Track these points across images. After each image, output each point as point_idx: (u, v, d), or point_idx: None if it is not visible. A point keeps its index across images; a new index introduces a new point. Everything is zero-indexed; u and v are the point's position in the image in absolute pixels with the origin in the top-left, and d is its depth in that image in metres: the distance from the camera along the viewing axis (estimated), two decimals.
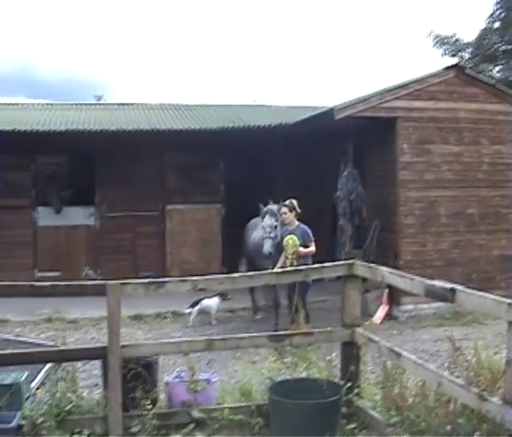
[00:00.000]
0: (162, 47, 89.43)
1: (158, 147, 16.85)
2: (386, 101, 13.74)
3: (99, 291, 6.15)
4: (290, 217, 11.28)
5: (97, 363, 8.56)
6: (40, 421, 6.00)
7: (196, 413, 6.31)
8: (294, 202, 11.38)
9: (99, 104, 25.05)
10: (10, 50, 74.98)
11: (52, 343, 10.29)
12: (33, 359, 6.81)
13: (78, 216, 17.14)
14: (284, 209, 11.38)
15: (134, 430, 6.18)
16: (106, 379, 6.31)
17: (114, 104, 22.01)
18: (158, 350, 6.73)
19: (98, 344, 8.94)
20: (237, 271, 10.99)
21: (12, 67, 73.76)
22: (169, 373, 7.05)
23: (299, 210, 11.33)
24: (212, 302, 12.54)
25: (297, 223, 11.29)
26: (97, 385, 7.84)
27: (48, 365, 8.54)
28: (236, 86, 75.75)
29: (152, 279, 6.33)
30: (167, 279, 6.45)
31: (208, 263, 16.98)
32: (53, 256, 16.85)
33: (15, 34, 75.29)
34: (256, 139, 17.09)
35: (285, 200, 11.59)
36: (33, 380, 7.64)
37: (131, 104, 21.66)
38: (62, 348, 6.68)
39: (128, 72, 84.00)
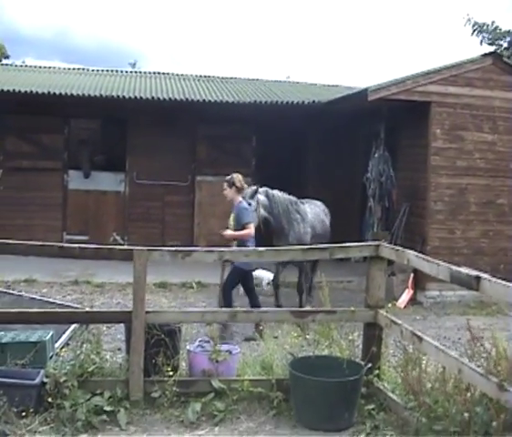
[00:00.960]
0: (198, 19, 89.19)
1: (191, 117, 16.89)
2: (421, 85, 13.62)
3: (127, 256, 6.22)
4: (229, 193, 10.01)
5: (121, 328, 8.75)
6: (63, 379, 6.10)
7: (216, 383, 6.38)
8: (235, 176, 10.06)
9: (134, 71, 25.07)
10: (46, 16, 75.35)
11: (78, 306, 10.46)
12: (59, 319, 6.93)
13: (109, 181, 17.28)
14: (224, 185, 10.12)
15: (154, 395, 6.28)
16: (129, 343, 6.41)
17: (148, 72, 22.02)
18: (182, 318, 6.82)
19: (124, 309, 9.08)
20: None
21: (48, 33, 74.22)
22: (191, 342, 7.12)
23: (241, 186, 10.02)
24: (264, 274, 12.51)
25: (238, 200, 9.96)
26: (119, 349, 7.97)
27: (73, 326, 8.70)
28: (270, 62, 75.49)
29: (179, 248, 6.39)
30: (194, 249, 6.51)
31: None
32: (82, 220, 17.02)
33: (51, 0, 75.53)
34: (289, 116, 17.08)
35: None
36: (57, 339, 7.77)
37: (166, 73, 21.68)
38: (88, 310, 6.76)
39: (162, 41, 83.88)
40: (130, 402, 6.19)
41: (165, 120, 16.68)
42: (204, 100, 16.77)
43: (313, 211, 11.53)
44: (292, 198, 10.95)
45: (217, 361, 6.55)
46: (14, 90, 15.79)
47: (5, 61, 36.76)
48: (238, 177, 10.02)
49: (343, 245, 6.96)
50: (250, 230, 9.67)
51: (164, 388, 6.27)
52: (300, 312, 6.93)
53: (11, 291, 10.73)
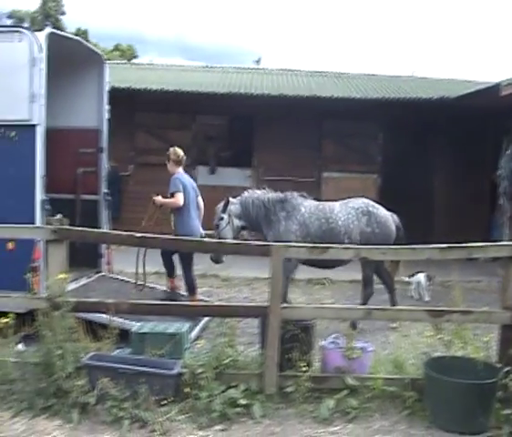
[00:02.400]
0: (319, 16, 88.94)
1: (318, 114, 16.93)
2: None
3: (264, 252, 6.29)
4: (168, 167, 9.98)
5: (252, 322, 8.86)
6: (199, 371, 6.23)
7: (350, 380, 6.35)
8: (171, 150, 10.04)
9: (259, 68, 25.31)
10: (168, 17, 77.31)
11: (208, 299, 10.66)
12: (197, 312, 7.10)
13: (236, 177, 17.53)
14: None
15: (288, 389, 6.31)
16: (264, 338, 6.47)
17: (274, 69, 22.19)
18: (318, 314, 6.83)
19: (259, 303, 9.19)
20: None
21: (169, 32, 76.10)
22: (324, 338, 7.12)
23: (177, 158, 9.91)
24: (421, 278, 12.37)
25: (176, 172, 9.87)
26: (251, 343, 8.06)
27: (205, 319, 8.89)
28: (394, 58, 74.44)
29: (315, 244, 6.41)
30: (330, 245, 6.50)
31: None
32: (208, 215, 17.25)
33: (171, 2, 77.38)
34: (416, 112, 16.82)
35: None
36: (191, 332, 7.95)
37: (291, 70, 21.78)
38: (224, 304, 6.88)
39: (282, 39, 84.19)
40: (264, 396, 6.24)
41: (292, 116, 16.79)
42: (331, 96, 16.74)
43: (316, 210, 10.10)
44: (282, 195, 10.20)
45: (351, 358, 6.53)
46: (145, 88, 16.31)
47: (133, 60, 38.02)
48: (173, 151, 10.00)
49: (482, 244, 6.77)
50: (176, 200, 9.65)
51: (298, 383, 6.29)
52: (436, 312, 6.77)
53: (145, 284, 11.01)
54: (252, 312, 7.07)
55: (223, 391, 6.17)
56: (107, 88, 10.69)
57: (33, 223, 8.28)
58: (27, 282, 8.19)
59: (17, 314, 6.76)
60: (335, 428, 5.97)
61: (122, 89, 15.53)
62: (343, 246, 6.53)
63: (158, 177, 16.85)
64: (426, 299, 11.87)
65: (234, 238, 9.93)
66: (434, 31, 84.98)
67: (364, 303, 9.76)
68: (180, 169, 9.94)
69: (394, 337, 8.85)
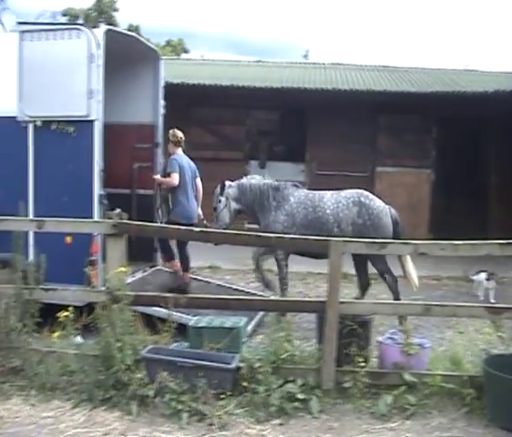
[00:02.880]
0: (367, 8, 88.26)
1: (372, 108, 16.83)
2: None
3: (323, 247, 6.27)
4: (169, 149, 10.13)
5: (306, 317, 8.87)
6: (257, 365, 6.25)
7: (408, 376, 6.30)
8: (170, 132, 10.08)
9: (310, 62, 25.19)
10: (217, 11, 77.56)
11: (262, 293, 10.67)
12: (255, 306, 7.13)
13: (289, 172, 17.49)
14: None
15: (346, 385, 6.29)
16: (321, 333, 6.47)
17: (325, 63, 22.08)
18: (376, 309, 6.80)
19: (317, 298, 9.18)
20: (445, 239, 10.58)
21: (218, 27, 76.33)
22: (381, 334, 7.08)
23: (176, 139, 9.99)
24: (483, 277, 12.21)
25: (175, 152, 10.04)
26: (305, 338, 8.06)
27: (261, 313, 8.92)
28: (447, 51, 73.44)
29: (374, 240, 6.37)
30: (389, 241, 6.46)
31: (414, 228, 16.71)
32: None
33: None
34: (470, 106, 16.57)
35: None
36: (247, 326, 7.97)
37: (342, 64, 21.67)
38: (282, 298, 6.89)
39: (328, 32, 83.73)
40: (322, 391, 6.24)
41: (345, 111, 16.70)
42: (385, 90, 16.62)
43: (305, 199, 9.96)
44: (276, 183, 10.09)
45: (408, 354, 6.47)
46: (198, 83, 16.41)
47: (184, 55, 38.25)
48: (172, 132, 10.03)
49: None
50: (171, 179, 9.71)
51: (355, 378, 6.26)
52: (495, 309, 6.69)
53: (200, 278, 11.11)
54: (310, 307, 7.06)
55: (281, 386, 6.19)
56: (162, 84, 10.77)
57: (91, 218, 8.40)
58: (85, 276, 8.35)
59: (75, 307, 6.86)
60: (393, 424, 5.93)
61: (176, 84, 15.64)
62: (401, 241, 6.43)
63: (212, 172, 16.98)
64: (491, 300, 11.58)
65: (231, 222, 10.09)
66: (488, 23, 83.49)
67: (397, 296, 9.67)
68: (179, 150, 10.07)
69: (450, 333, 8.75)
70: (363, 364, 6.32)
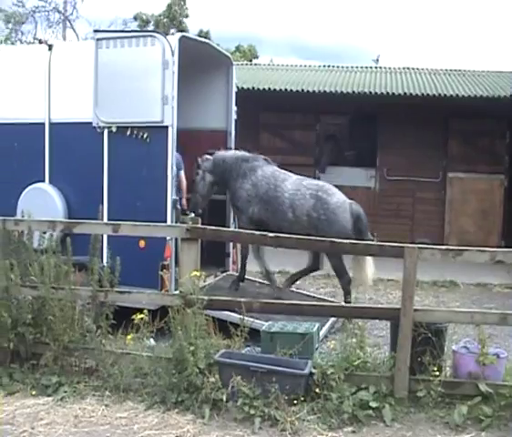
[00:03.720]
0: (438, 12, 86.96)
1: (443, 112, 16.59)
2: None
3: (397, 253, 6.21)
4: None
5: (377, 324, 8.80)
6: (330, 371, 6.22)
7: (483, 387, 6.17)
8: None
9: (380, 67, 24.92)
10: (282, 16, 77.47)
11: (332, 299, 10.64)
12: (327, 312, 7.12)
13: (359, 177, 17.45)
14: None
15: (419, 393, 6.20)
16: (394, 340, 6.40)
17: (395, 67, 21.81)
18: (451, 317, 6.69)
19: (391, 305, 9.11)
20: None
21: (282, 32, 76.17)
22: (455, 342, 6.96)
23: None
24: None
25: None
26: (377, 345, 8.00)
27: (332, 319, 8.88)
28: None
29: (450, 247, 6.29)
30: (465, 248, 6.35)
31: (486, 235, 16.51)
32: None
33: (286, 2, 77.37)
34: None
35: None
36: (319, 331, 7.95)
37: (413, 68, 21.38)
38: (355, 305, 6.85)
39: (400, 37, 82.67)
40: (395, 399, 6.17)
41: (416, 115, 16.53)
42: (457, 95, 16.35)
43: (270, 175, 10.04)
44: (248, 154, 10.25)
45: (484, 364, 6.35)
46: (269, 88, 16.46)
47: (254, 61, 38.41)
48: None
49: None
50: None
51: (429, 387, 6.17)
52: None
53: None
54: (384, 314, 7.00)
55: (353, 393, 6.16)
56: (234, 90, 10.84)
57: (164, 222, 8.50)
58: (158, 279, 8.46)
59: (148, 310, 6.95)
60: (468, 436, 5.84)
61: (247, 90, 15.72)
62: (478, 249, 6.30)
63: None
64: None
65: (207, 194, 10.38)
66: None
67: (348, 298, 9.64)
68: None
69: None
70: (436, 373, 6.23)
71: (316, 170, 17.40)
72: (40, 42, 10.24)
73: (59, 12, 35.44)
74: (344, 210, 9.72)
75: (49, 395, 6.55)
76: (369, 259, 9.63)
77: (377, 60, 44.26)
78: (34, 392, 6.61)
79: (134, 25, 37.04)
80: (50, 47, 9.61)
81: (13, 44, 33.08)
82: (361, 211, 9.91)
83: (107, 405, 6.33)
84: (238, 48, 42.65)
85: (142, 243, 8.61)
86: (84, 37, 33.48)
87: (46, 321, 7.03)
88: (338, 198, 9.83)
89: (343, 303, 9.30)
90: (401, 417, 6.07)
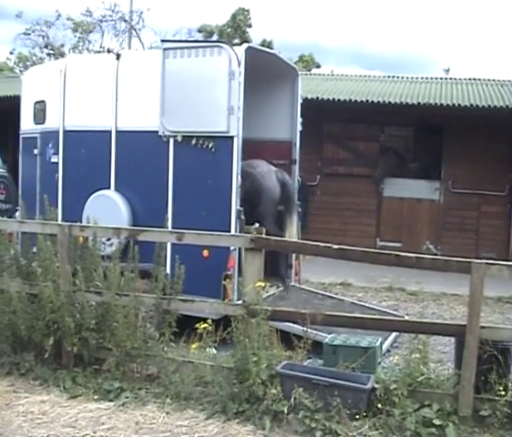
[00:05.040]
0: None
1: (510, 124, 16.27)
2: None
3: (463, 269, 6.12)
4: None
5: (440, 339, 8.66)
6: (392, 387, 6.13)
7: None
8: None
9: (447, 78, 24.61)
10: (344, 25, 77.10)
11: (395, 313, 10.54)
12: (390, 326, 7.04)
13: (423, 189, 17.34)
14: None
15: (483, 413, 6.07)
16: (459, 357, 6.30)
17: (463, 78, 21.49)
18: None
19: (456, 321, 8.97)
20: None
21: (345, 41, 75.84)
22: None
23: None
24: None
25: None
26: (440, 362, 7.89)
27: (394, 334, 8.80)
28: None
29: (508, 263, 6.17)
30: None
31: None
32: (395, 226, 17.26)
33: (348, 11, 76.80)
34: None
35: None
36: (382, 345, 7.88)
37: (482, 79, 21.05)
38: (420, 319, 6.77)
39: (473, 48, 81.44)
40: (459, 418, 6.04)
41: (482, 127, 16.28)
42: None
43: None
44: None
45: None
46: (333, 99, 16.45)
47: (315, 70, 38.35)
48: None
49: None
50: None
51: (494, 407, 6.03)
52: None
53: (333, 295, 11.09)
54: (449, 331, 6.88)
55: (416, 410, 6.05)
56: (300, 101, 10.83)
57: (228, 232, 8.54)
58: (221, 289, 8.50)
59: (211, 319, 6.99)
60: None
61: (311, 100, 15.71)
62: None
63: (345, 188, 17.10)
64: None
65: None
66: None
67: None
68: None
69: None
70: (502, 393, 6.09)
71: (379, 182, 17.32)
72: (108, 51, 10.40)
73: (125, 21, 35.98)
74: (270, 178, 9.97)
75: (111, 400, 6.63)
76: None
77: (448, 70, 43.60)
78: (96, 397, 6.70)
79: (198, 36, 37.37)
80: (118, 56, 9.77)
81: (80, 52, 33.86)
82: (286, 178, 10.23)
83: (167, 413, 6.37)
84: (301, 58, 42.63)
85: (206, 252, 8.66)
86: (149, 46, 33.98)
87: (109, 327, 7.14)
88: (261, 168, 10.05)
89: (407, 317, 9.20)
90: (465, 436, 5.97)
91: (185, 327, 7.28)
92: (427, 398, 6.18)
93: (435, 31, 79.82)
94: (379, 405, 6.11)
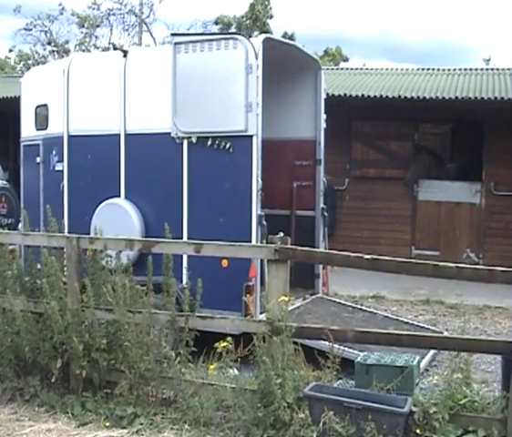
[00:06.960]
0: None
1: None
2: None
3: (509, 279, 6.01)
4: None
5: (484, 357, 8.57)
6: (432, 410, 6.02)
7: None
8: None
9: (489, 69, 24.38)
10: (371, 15, 76.72)
11: (433, 328, 10.44)
12: (429, 344, 6.94)
13: (463, 192, 17.18)
14: None
15: None
16: (506, 377, 6.19)
17: (506, 69, 21.29)
18: None
19: (504, 338, 8.87)
20: None
21: (373, 32, 75.41)
22: None
23: None
24: None
25: None
26: (485, 382, 7.79)
27: (432, 352, 8.70)
28: None
29: None
30: None
31: None
32: (432, 233, 17.14)
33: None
34: None
35: None
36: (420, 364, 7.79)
37: None
38: (462, 336, 6.67)
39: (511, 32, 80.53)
40: None
41: None
42: None
43: None
44: None
45: None
46: (362, 95, 16.36)
47: (343, 64, 38.31)
48: None
49: None
50: None
51: None
52: None
53: (364, 308, 11.02)
54: (494, 348, 6.76)
55: (460, 436, 5.97)
56: (323, 96, 10.77)
57: (249, 240, 8.49)
58: (242, 302, 8.44)
59: (231, 336, 6.92)
60: None
61: (338, 96, 15.66)
62: None
63: (376, 192, 16.98)
64: None
65: None
66: None
67: None
68: None
69: None
70: None
71: (414, 184, 17.20)
72: (115, 48, 10.43)
73: (135, 14, 36.16)
74: None
75: (124, 427, 6.58)
76: None
77: (488, 60, 43.25)
78: (107, 424, 6.66)
79: (215, 29, 37.41)
80: (125, 54, 9.76)
81: (87, 49, 33.91)
82: None
83: None
84: (326, 52, 42.62)
85: (225, 262, 8.61)
86: (161, 41, 34.09)
87: (121, 347, 7.08)
88: None
89: (447, 333, 9.10)
90: None
91: (202, 345, 7.20)
92: (472, 423, 6.07)
93: (473, 15, 79.34)
94: (417, 431, 6.01)
